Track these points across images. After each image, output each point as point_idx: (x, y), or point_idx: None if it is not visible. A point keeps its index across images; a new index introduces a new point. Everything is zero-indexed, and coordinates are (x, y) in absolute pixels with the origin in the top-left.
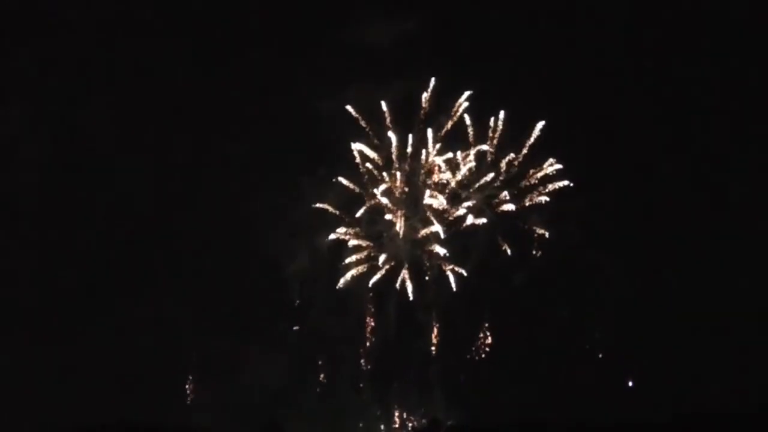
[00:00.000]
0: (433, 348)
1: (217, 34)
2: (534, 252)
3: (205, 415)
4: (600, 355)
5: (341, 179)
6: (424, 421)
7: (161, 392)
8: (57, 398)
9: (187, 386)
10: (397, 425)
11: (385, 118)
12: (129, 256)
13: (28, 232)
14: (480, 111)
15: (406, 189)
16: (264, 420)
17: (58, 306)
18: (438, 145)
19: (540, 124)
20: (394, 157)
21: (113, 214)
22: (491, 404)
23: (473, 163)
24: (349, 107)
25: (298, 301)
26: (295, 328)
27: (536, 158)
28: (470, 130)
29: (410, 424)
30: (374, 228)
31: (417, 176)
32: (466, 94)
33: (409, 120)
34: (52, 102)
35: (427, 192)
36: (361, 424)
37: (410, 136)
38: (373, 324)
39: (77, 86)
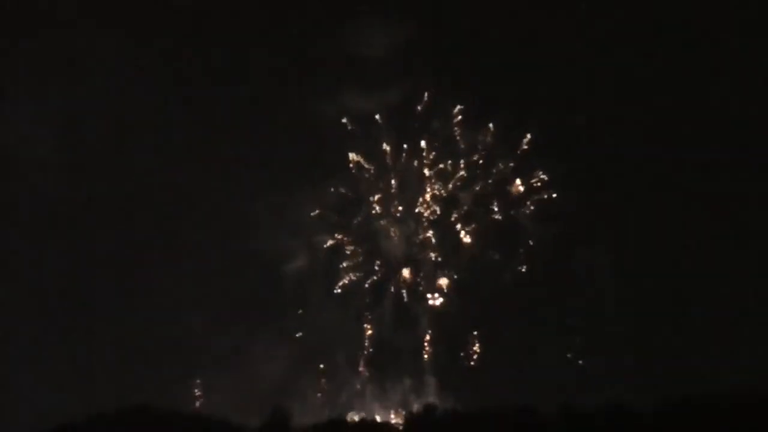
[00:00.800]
0: (425, 355)
1: (219, 41)
2: (521, 256)
3: (213, 404)
4: (580, 362)
5: (339, 187)
6: (418, 407)
7: (170, 385)
8: (70, 389)
9: (195, 388)
10: (393, 413)
11: (380, 126)
12: (134, 255)
13: (33, 231)
14: (474, 119)
15: (401, 195)
16: (271, 408)
17: (66, 304)
18: (432, 154)
19: (528, 136)
20: (388, 164)
21: (118, 214)
22: (483, 391)
23: (465, 171)
24: (344, 120)
25: (300, 311)
26: (298, 334)
27: (526, 165)
28: (460, 141)
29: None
30: (370, 232)
31: (411, 183)
32: (459, 107)
33: (404, 127)
34: (55, 102)
35: (420, 198)
36: (359, 412)
37: (404, 146)
38: (370, 329)
39: (79, 87)
